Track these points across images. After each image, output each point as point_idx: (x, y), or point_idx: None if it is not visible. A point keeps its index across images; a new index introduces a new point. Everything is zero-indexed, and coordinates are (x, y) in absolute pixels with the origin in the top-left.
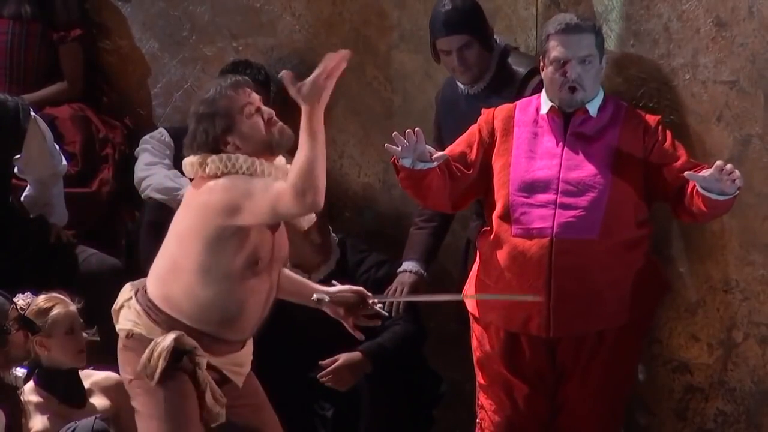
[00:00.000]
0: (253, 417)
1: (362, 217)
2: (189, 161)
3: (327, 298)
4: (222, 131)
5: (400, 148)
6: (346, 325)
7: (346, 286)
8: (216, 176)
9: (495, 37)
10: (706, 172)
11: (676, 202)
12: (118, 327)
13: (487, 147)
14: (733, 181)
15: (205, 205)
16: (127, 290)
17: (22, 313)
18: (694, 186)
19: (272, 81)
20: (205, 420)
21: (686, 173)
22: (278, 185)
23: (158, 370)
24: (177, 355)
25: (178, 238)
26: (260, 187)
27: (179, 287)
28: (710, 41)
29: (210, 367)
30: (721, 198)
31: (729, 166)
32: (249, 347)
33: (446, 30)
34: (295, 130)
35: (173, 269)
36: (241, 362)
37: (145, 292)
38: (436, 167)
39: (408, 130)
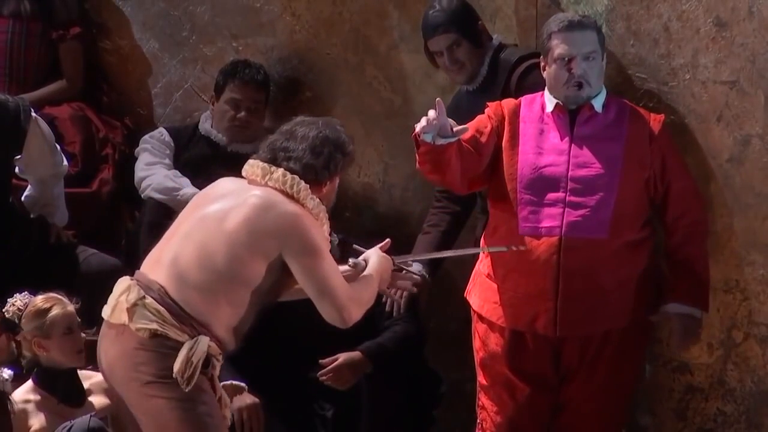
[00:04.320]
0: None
1: (362, 218)
2: (264, 167)
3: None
4: (332, 175)
5: (424, 123)
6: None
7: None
8: (275, 188)
9: (495, 35)
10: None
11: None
12: (135, 326)
13: (498, 135)
14: None
15: (281, 231)
16: (133, 288)
17: (6, 314)
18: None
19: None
20: None
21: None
22: (342, 281)
23: (195, 376)
24: (206, 360)
25: (229, 249)
26: (331, 262)
27: (225, 297)
28: (710, 41)
29: None
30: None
31: None
32: None
33: (434, 31)
34: None
35: (219, 279)
36: None
37: (166, 292)
38: (455, 143)
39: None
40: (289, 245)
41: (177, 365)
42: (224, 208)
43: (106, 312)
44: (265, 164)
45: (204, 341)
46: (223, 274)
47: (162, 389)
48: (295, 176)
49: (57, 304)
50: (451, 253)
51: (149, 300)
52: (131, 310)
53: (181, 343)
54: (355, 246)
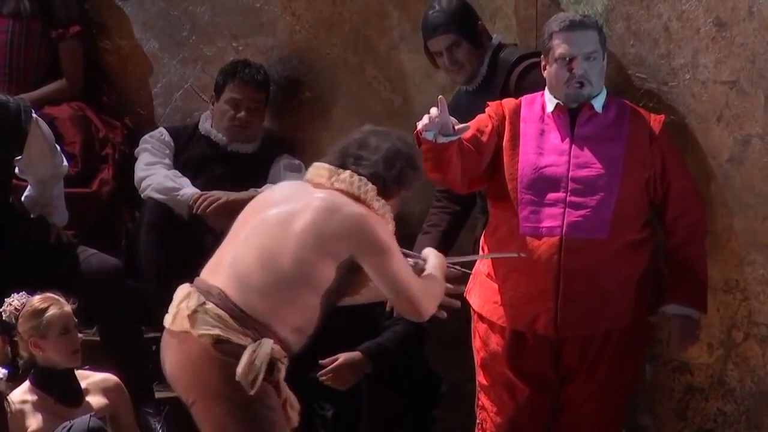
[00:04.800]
0: None
1: None
2: (330, 169)
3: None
4: (400, 189)
5: (426, 121)
6: None
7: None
8: (340, 190)
9: (495, 35)
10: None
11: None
12: (197, 332)
13: (499, 135)
14: None
15: (349, 233)
16: (193, 294)
17: (3, 314)
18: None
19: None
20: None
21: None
22: (414, 276)
23: (259, 379)
24: (271, 364)
25: (296, 252)
26: (401, 258)
27: (289, 300)
28: (710, 41)
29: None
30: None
31: None
32: None
33: (433, 31)
34: (292, 127)
35: (283, 282)
36: None
37: (226, 296)
38: (456, 142)
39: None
40: (359, 246)
41: (240, 368)
42: (287, 210)
43: (167, 321)
44: (332, 167)
45: (267, 344)
46: (289, 276)
47: (226, 394)
48: (363, 177)
49: (54, 305)
50: (494, 255)
51: (210, 305)
52: (192, 316)
53: (244, 347)
54: (403, 250)
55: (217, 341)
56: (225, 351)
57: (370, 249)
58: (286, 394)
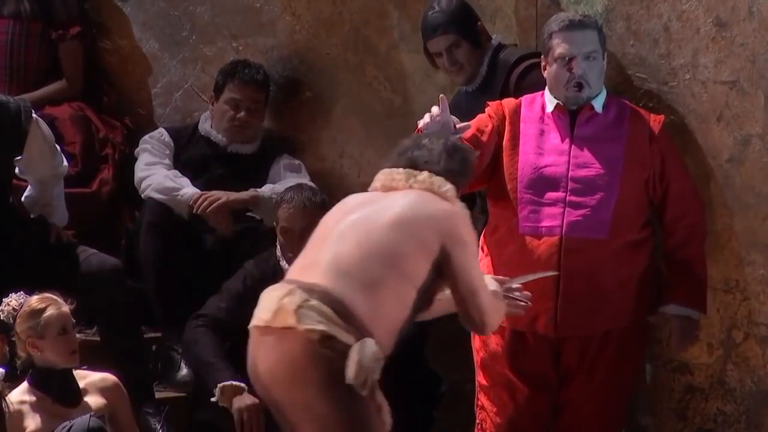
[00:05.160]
0: None
1: None
2: (407, 172)
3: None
4: (466, 181)
5: (427, 120)
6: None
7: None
8: (424, 189)
9: (495, 35)
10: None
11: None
12: (303, 327)
13: (499, 135)
14: None
15: (440, 225)
16: (295, 291)
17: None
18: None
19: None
20: None
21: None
22: (486, 285)
23: (370, 378)
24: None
25: (393, 247)
26: (478, 263)
27: (389, 295)
28: (710, 41)
29: None
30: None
31: None
32: None
33: (433, 32)
34: (292, 127)
35: (384, 276)
36: None
37: (330, 293)
38: None
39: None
40: (449, 238)
41: (351, 371)
42: (376, 210)
43: (263, 318)
44: (407, 169)
45: (370, 342)
46: (388, 272)
47: (332, 392)
48: (440, 176)
49: (52, 305)
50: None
51: (314, 302)
52: (297, 312)
53: (348, 345)
54: None
55: (324, 337)
56: (331, 348)
57: (459, 242)
58: (380, 396)
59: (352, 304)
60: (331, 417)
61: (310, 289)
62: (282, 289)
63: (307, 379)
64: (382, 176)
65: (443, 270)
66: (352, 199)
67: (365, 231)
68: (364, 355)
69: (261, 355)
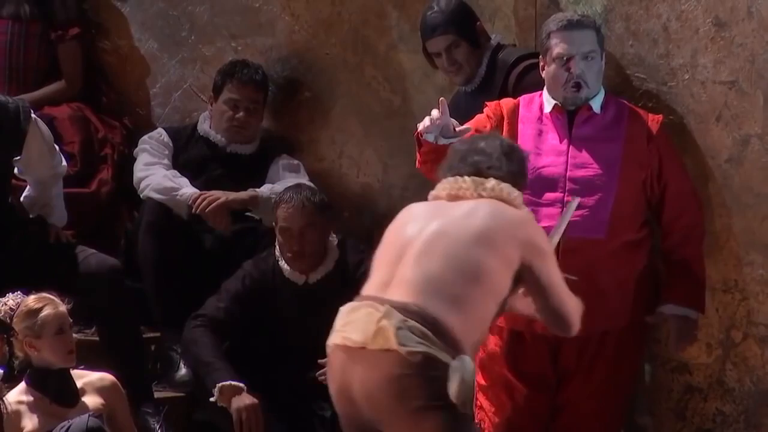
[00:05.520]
0: None
1: (361, 218)
2: (474, 180)
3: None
4: (526, 182)
5: (427, 123)
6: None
7: None
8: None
9: (494, 35)
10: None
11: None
12: (405, 350)
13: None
14: None
15: (518, 236)
16: (391, 311)
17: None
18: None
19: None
20: None
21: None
22: (567, 289)
23: (472, 395)
24: None
25: (479, 262)
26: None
27: (477, 310)
28: (709, 41)
29: None
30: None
31: None
32: None
33: (432, 32)
34: (291, 127)
35: (474, 292)
36: None
37: (426, 312)
38: None
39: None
40: (530, 250)
41: (453, 389)
42: (456, 223)
43: (356, 339)
44: (474, 177)
45: (467, 359)
46: (475, 288)
47: (436, 413)
48: (507, 184)
49: (49, 304)
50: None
51: (412, 322)
52: (397, 334)
53: (447, 364)
54: None
55: (425, 358)
56: (433, 368)
57: (538, 252)
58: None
59: (446, 323)
60: None
61: (404, 309)
62: (372, 308)
63: (412, 399)
64: (447, 184)
65: (524, 280)
66: (418, 210)
67: (450, 247)
68: (464, 372)
69: (356, 376)
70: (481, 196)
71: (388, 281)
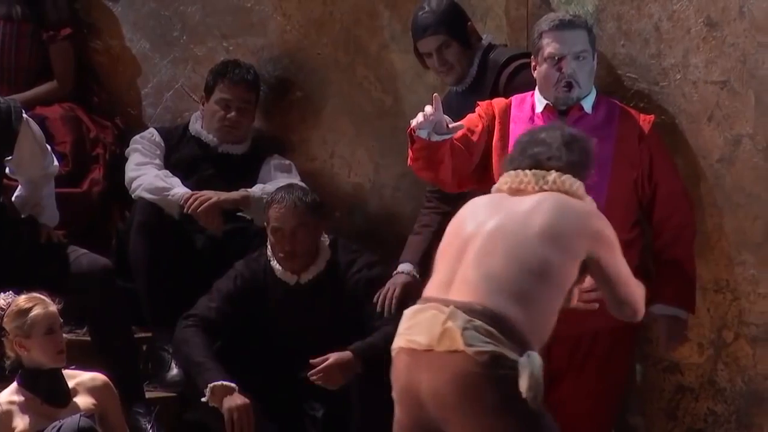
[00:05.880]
0: None
1: (352, 217)
2: (536, 173)
3: None
4: (590, 171)
5: (421, 119)
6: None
7: None
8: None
9: (485, 35)
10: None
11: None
12: (473, 350)
13: (489, 134)
14: None
15: (585, 228)
16: (456, 312)
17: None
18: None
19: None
20: None
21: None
22: (632, 276)
23: (542, 390)
24: None
25: (544, 256)
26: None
27: (543, 305)
28: (701, 41)
29: None
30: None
31: None
32: None
33: (423, 32)
34: (283, 127)
35: (539, 287)
36: None
37: (492, 311)
38: (449, 140)
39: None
40: (594, 241)
41: (524, 385)
42: (518, 218)
43: (421, 341)
44: (535, 170)
45: (535, 354)
46: (542, 284)
47: (508, 411)
48: (569, 175)
49: (39, 304)
50: None
51: (478, 322)
52: (464, 335)
53: (515, 362)
54: None
55: (493, 358)
56: (502, 366)
57: (603, 242)
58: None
59: (512, 320)
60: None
61: (469, 309)
62: (437, 310)
63: (483, 399)
64: (509, 178)
65: (591, 271)
66: (480, 203)
67: (513, 244)
68: (534, 368)
69: (423, 378)
70: (542, 190)
71: (449, 281)
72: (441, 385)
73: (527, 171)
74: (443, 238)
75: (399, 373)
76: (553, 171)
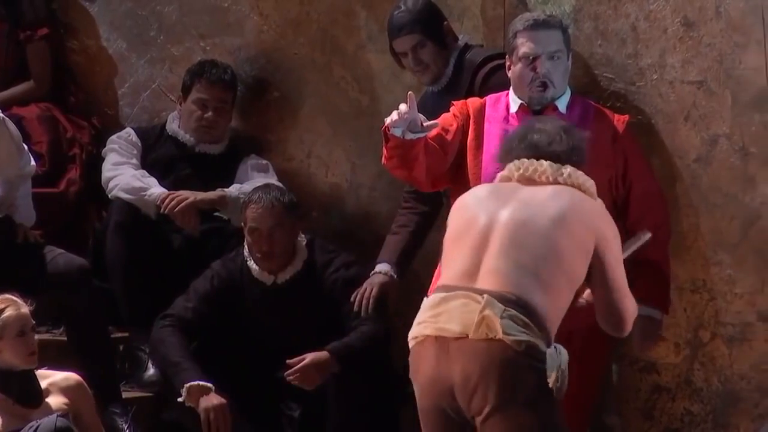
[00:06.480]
0: None
1: (329, 217)
2: (552, 165)
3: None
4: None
5: (395, 117)
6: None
7: None
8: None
9: (462, 35)
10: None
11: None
12: (510, 339)
13: (464, 134)
14: None
15: (595, 224)
16: (491, 301)
17: None
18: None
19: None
20: None
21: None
22: (627, 289)
23: (566, 383)
24: None
25: (564, 253)
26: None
27: (560, 300)
28: (678, 41)
29: None
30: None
31: None
32: None
33: (398, 31)
34: (260, 127)
35: (561, 280)
36: None
37: (525, 301)
38: (423, 139)
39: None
40: (601, 239)
41: (552, 376)
42: (534, 208)
43: (454, 329)
44: (551, 162)
45: (561, 348)
46: (560, 275)
47: (539, 401)
48: (582, 173)
49: (11, 306)
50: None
51: (513, 311)
52: (502, 323)
53: (544, 352)
54: None
55: (528, 347)
56: (534, 356)
57: (609, 242)
58: None
59: (540, 311)
60: (537, 426)
61: (504, 299)
62: (468, 298)
63: (519, 388)
64: (521, 165)
65: (591, 272)
66: (482, 194)
67: (537, 235)
68: (562, 360)
69: (456, 366)
70: (557, 182)
71: (473, 271)
72: (476, 373)
73: (543, 161)
74: (450, 228)
75: (425, 362)
76: (568, 165)
